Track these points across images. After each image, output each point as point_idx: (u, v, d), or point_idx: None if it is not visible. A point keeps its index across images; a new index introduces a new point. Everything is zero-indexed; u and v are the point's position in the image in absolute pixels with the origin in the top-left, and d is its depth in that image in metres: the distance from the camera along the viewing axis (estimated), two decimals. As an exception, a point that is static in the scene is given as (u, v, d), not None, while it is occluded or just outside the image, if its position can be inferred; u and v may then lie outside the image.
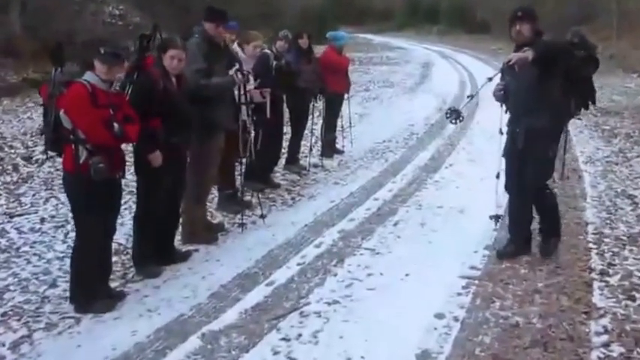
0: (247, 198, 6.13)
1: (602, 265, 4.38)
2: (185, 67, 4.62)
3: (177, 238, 5.08)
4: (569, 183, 6.58)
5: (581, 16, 22.80)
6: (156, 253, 4.59)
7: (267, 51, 6.43)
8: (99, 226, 3.94)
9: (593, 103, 4.56)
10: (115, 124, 3.84)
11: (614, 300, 3.84)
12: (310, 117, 7.64)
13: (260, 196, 6.33)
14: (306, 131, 7.68)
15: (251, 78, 5.82)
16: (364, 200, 6.10)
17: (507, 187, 4.68)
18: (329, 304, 3.88)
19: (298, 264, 4.55)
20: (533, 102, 4.26)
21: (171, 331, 3.62)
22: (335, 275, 4.31)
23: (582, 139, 9.28)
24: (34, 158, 7.81)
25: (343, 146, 8.46)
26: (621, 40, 20.54)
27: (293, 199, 6.38)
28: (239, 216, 5.57)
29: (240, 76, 5.06)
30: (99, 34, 15.58)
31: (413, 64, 21.42)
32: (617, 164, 7.62)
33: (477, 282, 4.12)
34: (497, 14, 31.97)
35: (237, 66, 5.25)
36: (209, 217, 5.67)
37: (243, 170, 5.80)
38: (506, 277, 4.20)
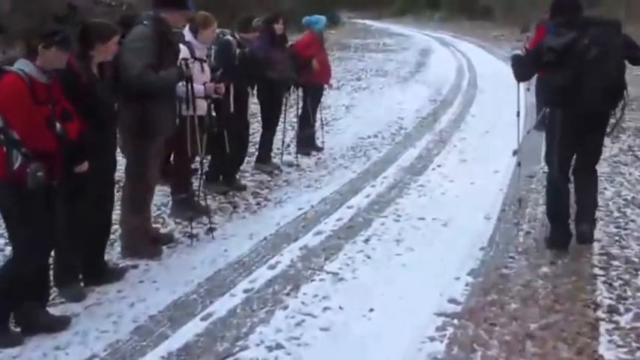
0: (206, 202, 5.42)
1: (611, 298, 3.62)
2: (130, 60, 3.95)
3: (118, 251, 4.37)
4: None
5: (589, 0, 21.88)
6: (83, 271, 3.89)
7: (229, 37, 5.64)
8: (38, 241, 3.27)
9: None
10: (57, 124, 3.23)
11: (625, 350, 3.09)
12: (285, 110, 6.87)
13: (222, 199, 5.62)
14: (281, 126, 6.90)
15: (206, 68, 5.05)
16: (336, 208, 5.34)
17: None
18: (270, 349, 3.13)
19: (245, 290, 3.80)
20: None
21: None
22: (285, 308, 3.55)
23: (586, 135, 8.50)
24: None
25: (323, 142, 7.68)
26: (630, 26, 19.62)
27: (258, 204, 5.62)
28: (193, 224, 4.85)
29: (188, 66, 4.30)
30: (92, 13, 14.84)
31: (410, 52, 20.53)
32: (626, 165, 6.85)
33: (455, 322, 3.36)
34: (500, 0, 31.11)
35: (182, 55, 4.51)
36: (159, 225, 4.95)
37: (202, 171, 5.07)
38: (491, 315, 3.44)
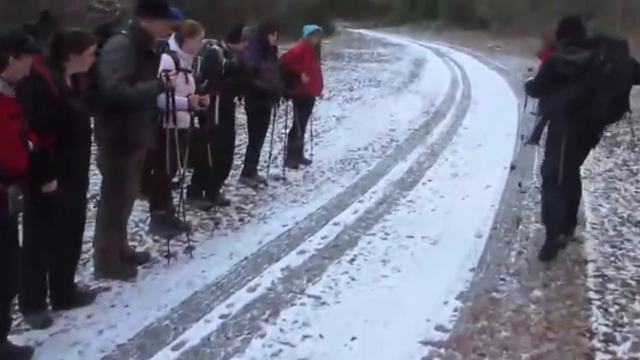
0: (184, 219, 5.22)
1: (607, 325, 3.43)
2: (106, 71, 3.75)
3: (90, 272, 4.16)
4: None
5: (584, 13, 21.87)
6: (51, 294, 3.67)
7: (215, 47, 5.45)
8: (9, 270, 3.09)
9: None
10: (30, 142, 3.06)
11: (622, 384, 2.90)
12: (274, 122, 6.68)
13: (204, 215, 5.42)
14: (269, 137, 6.71)
15: (191, 79, 4.87)
16: (322, 225, 5.14)
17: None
18: (244, 382, 2.93)
19: (222, 316, 3.59)
20: None
21: None
22: (262, 336, 3.34)
23: (581, 148, 8.34)
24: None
25: (312, 155, 7.49)
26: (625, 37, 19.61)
27: (241, 220, 5.42)
28: (172, 241, 4.65)
29: (168, 79, 4.10)
30: (84, 20, 14.62)
31: (404, 62, 20.43)
32: (621, 180, 6.69)
33: (442, 351, 3.16)
34: (496, 11, 31.15)
35: (165, 66, 4.33)
36: (136, 243, 4.74)
37: (183, 185, 4.88)
38: (481, 344, 3.24)
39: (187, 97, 4.58)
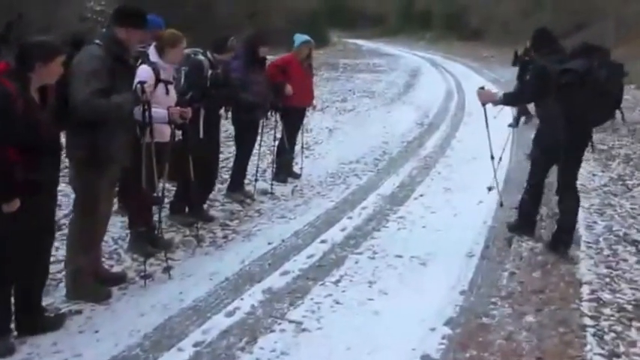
0: (169, 236, 5.05)
1: (602, 355, 3.25)
2: (78, 84, 3.59)
3: (62, 294, 3.96)
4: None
5: (577, 23, 21.85)
6: (17, 319, 3.47)
7: (200, 58, 5.29)
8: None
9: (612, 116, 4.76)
10: None
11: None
12: (262, 134, 6.51)
13: (187, 232, 5.23)
14: (259, 150, 6.53)
15: (172, 91, 4.69)
16: (308, 243, 4.95)
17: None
18: (215, 420, 2.73)
19: (196, 344, 3.39)
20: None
21: None
22: (237, 367, 3.16)
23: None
24: None
25: (301, 168, 7.32)
26: (618, 49, 19.53)
27: (225, 237, 5.22)
28: (151, 260, 4.47)
29: (143, 91, 3.92)
30: (75, 29, 14.45)
31: (399, 72, 20.33)
32: (616, 195, 6.52)
33: (428, 385, 2.97)
34: (491, 21, 31.18)
35: (143, 77, 4.16)
36: (113, 262, 4.56)
37: (163, 201, 4.71)
38: (469, 376, 3.06)
39: (167, 109, 4.41)
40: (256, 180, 6.48)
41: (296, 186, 6.83)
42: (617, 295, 4.00)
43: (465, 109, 12.54)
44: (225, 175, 6.67)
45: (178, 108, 4.50)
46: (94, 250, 4.15)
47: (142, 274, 4.30)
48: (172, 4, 21.88)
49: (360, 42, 39.08)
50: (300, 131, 7.26)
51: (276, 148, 7.01)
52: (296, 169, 7.29)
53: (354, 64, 22.64)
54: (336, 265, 4.47)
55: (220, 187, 6.46)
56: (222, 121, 5.87)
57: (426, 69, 22.08)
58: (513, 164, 7.24)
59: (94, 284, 4.05)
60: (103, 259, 4.56)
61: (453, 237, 5.03)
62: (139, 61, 4.47)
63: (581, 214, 5.67)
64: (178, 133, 4.67)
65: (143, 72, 4.30)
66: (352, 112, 12.07)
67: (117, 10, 4.01)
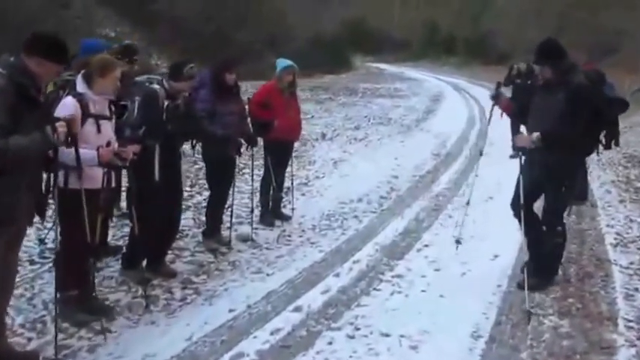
0: (116, 296, 4.24)
1: None
2: None
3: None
4: (589, 287, 4.47)
5: (606, 47, 20.79)
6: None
7: (155, 86, 4.49)
8: None
9: (617, 144, 4.77)
10: None
11: None
12: (237, 172, 5.68)
13: (139, 292, 4.36)
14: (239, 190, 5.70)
15: (106, 127, 3.83)
16: (279, 311, 4.05)
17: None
18: None
19: None
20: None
21: None
22: None
23: (610, 202, 7.12)
24: None
25: (293, 209, 6.44)
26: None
27: (183, 299, 4.35)
28: (81, 332, 3.65)
29: (57, 132, 3.10)
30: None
31: (420, 97, 19.42)
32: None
33: None
34: (516, 46, 30.23)
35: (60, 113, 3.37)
36: (33, 334, 3.74)
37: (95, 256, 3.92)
38: None
39: (97, 149, 3.59)
40: (231, 225, 5.58)
41: (284, 230, 5.94)
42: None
43: (488, 138, 11.53)
44: (203, 217, 5.83)
45: (112, 147, 3.67)
46: (-3, 327, 3.32)
47: (64, 353, 3.46)
48: (190, 30, 21.60)
49: (383, 66, 38.40)
50: (288, 166, 6.40)
51: (260, 187, 6.18)
52: (287, 209, 6.42)
53: (374, 89, 21.81)
54: (304, 347, 3.53)
55: (195, 232, 5.63)
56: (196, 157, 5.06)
57: (449, 93, 21.14)
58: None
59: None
60: (23, 331, 3.76)
61: (458, 307, 4.06)
62: (66, 91, 3.70)
63: (618, 277, 4.67)
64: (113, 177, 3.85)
65: (65, 106, 3.51)
66: (363, 141, 11.17)
67: (31, 36, 3.22)
